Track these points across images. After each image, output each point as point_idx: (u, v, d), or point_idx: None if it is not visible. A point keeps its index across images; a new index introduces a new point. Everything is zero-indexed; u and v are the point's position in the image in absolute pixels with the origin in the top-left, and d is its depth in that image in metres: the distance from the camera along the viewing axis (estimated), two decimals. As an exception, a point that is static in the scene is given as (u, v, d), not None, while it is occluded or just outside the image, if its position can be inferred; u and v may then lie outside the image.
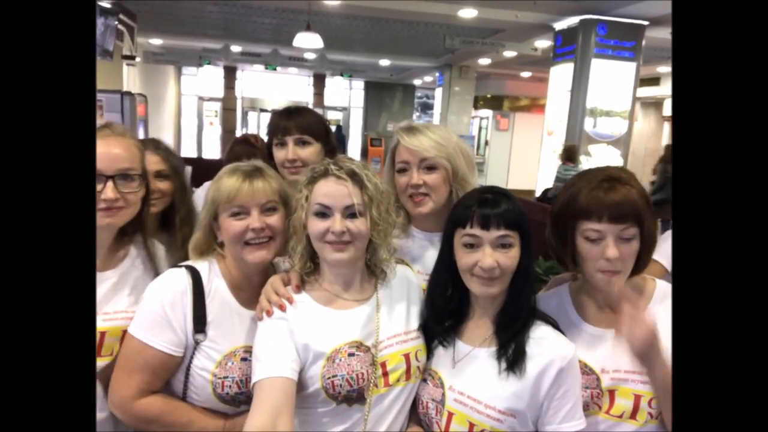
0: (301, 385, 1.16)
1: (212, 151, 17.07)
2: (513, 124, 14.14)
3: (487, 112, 14.79)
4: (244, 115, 17.64)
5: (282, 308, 1.20)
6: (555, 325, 1.23)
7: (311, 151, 1.70)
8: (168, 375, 1.25)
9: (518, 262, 1.17)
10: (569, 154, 6.80)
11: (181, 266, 1.30)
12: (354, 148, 18.07)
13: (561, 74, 7.05)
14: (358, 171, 1.21)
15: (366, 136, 16.91)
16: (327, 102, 17.28)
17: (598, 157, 6.77)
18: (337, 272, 1.25)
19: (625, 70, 6.63)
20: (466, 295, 1.26)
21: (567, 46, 6.86)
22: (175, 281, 1.25)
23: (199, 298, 1.25)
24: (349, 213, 1.18)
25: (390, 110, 17.27)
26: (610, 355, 1.23)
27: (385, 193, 1.25)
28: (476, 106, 14.08)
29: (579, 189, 1.20)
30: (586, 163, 6.78)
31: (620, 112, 6.74)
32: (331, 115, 17.97)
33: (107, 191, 1.23)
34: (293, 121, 1.70)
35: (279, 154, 1.70)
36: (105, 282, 1.31)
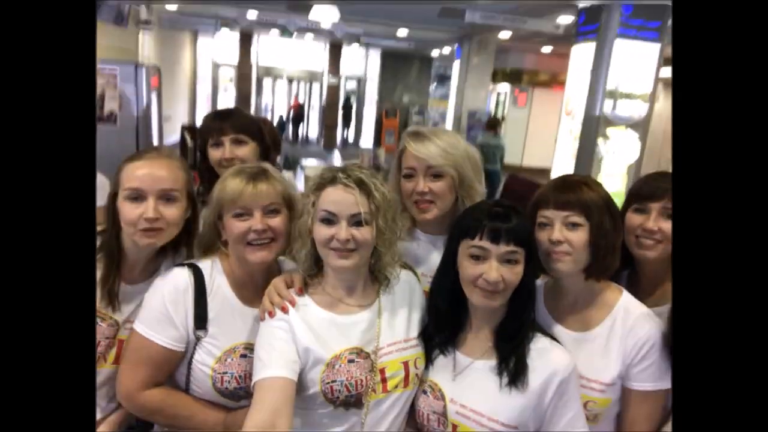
0: (301, 386, 1.18)
1: (226, 118, 17.00)
2: (531, 101, 13.90)
3: (505, 87, 14.53)
4: (259, 82, 17.51)
5: (284, 310, 1.22)
6: (552, 337, 1.25)
7: (247, 150, 1.77)
8: (171, 368, 1.29)
9: (522, 278, 1.18)
10: (492, 124, 8.15)
11: (183, 264, 1.33)
12: (368, 119, 17.91)
13: (582, 53, 6.86)
14: (366, 180, 1.21)
15: (381, 107, 16.73)
16: (342, 71, 17.06)
17: (616, 140, 6.64)
18: (341, 277, 1.26)
19: (649, 51, 6.41)
20: (465, 306, 1.27)
21: (590, 25, 6.66)
22: (177, 279, 1.28)
23: (200, 295, 1.28)
24: (355, 221, 1.19)
25: (406, 82, 17.01)
26: (584, 361, 1.27)
27: (392, 202, 1.26)
28: (494, 80, 13.83)
29: (541, 188, 1.33)
30: (603, 145, 6.65)
31: (641, 94, 6.55)
32: (347, 85, 17.78)
33: (148, 211, 1.26)
34: (228, 122, 1.77)
35: (215, 154, 1.75)
36: (137, 294, 1.34)
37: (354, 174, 1.21)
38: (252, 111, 16.97)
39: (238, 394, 1.29)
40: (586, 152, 6.71)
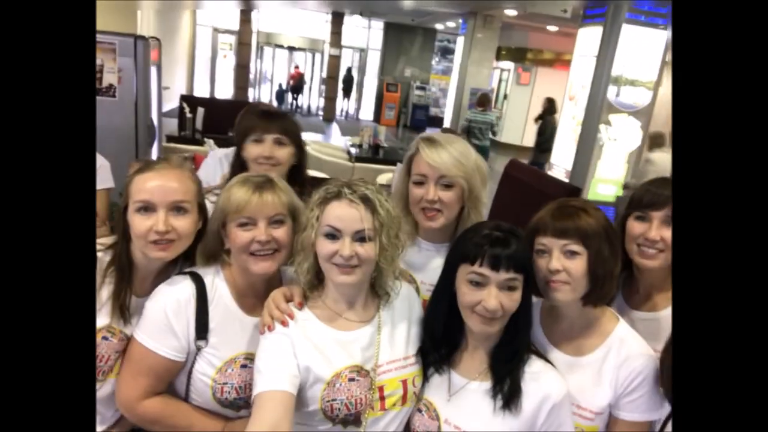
0: (301, 402, 1.19)
1: (225, 86, 16.79)
2: (534, 79, 13.73)
3: (508, 64, 14.35)
4: (259, 49, 17.23)
5: (284, 324, 1.22)
6: (547, 359, 1.26)
7: (286, 153, 1.78)
8: (171, 377, 1.30)
9: (519, 303, 1.18)
10: (481, 100, 8.59)
11: (185, 273, 1.32)
12: (369, 92, 17.67)
13: (589, 37, 6.76)
14: (371, 196, 1.20)
15: (382, 80, 16.51)
16: (344, 42, 16.79)
17: (618, 127, 6.60)
18: (342, 292, 1.27)
19: (656, 38, 6.32)
20: (461, 327, 1.27)
21: (598, 8, 6.54)
22: (179, 290, 1.28)
23: (202, 305, 1.28)
24: (359, 237, 1.19)
25: (409, 54, 16.74)
26: (574, 386, 1.26)
27: (395, 218, 1.25)
28: (498, 57, 13.64)
29: (540, 213, 1.30)
30: (605, 132, 6.62)
31: (645, 82, 6.48)
32: (347, 54, 17.51)
33: (159, 224, 1.24)
34: (273, 122, 1.77)
35: (254, 150, 1.76)
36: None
37: (359, 190, 1.20)
38: (251, 78, 16.76)
39: (238, 404, 1.29)
40: (588, 138, 6.67)
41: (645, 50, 6.33)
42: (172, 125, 7.15)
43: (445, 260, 1.28)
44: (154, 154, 5.02)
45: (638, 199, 1.41)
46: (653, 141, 6.33)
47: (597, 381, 1.26)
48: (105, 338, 1.29)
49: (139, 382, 1.26)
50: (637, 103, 6.52)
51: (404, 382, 1.27)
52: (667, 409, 1.23)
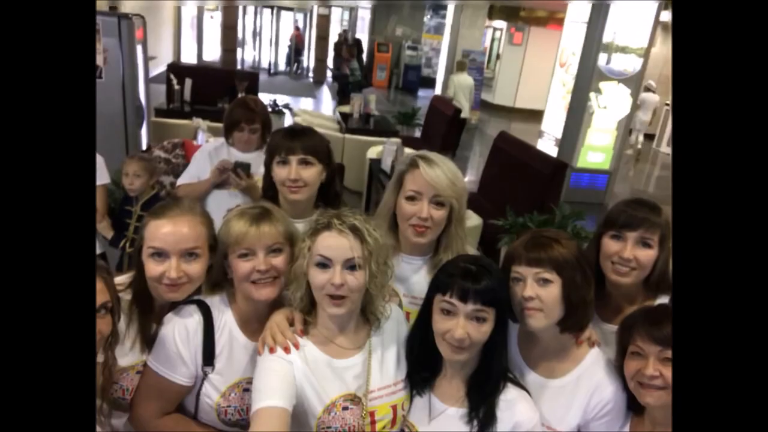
0: (296, 428, 1.25)
1: (212, 49, 16.44)
2: (527, 39, 13.50)
3: (501, 24, 14.08)
4: (245, 9, 16.80)
5: (287, 351, 1.28)
6: (523, 387, 1.32)
7: (313, 172, 1.73)
8: (181, 399, 1.40)
9: (493, 334, 1.24)
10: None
11: (193, 301, 1.39)
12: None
13: (580, 3, 6.66)
14: (359, 226, 1.26)
15: (373, 40, 16.18)
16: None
17: (608, 95, 6.59)
18: (334, 321, 1.32)
19: (647, 4, 6.25)
20: (440, 354, 1.32)
21: (590, -28, 6.43)
22: (186, 319, 1.36)
23: (209, 333, 1.36)
24: (349, 265, 1.24)
25: (400, 13, 16.32)
26: (546, 407, 1.33)
27: (383, 246, 1.30)
28: (490, 15, 13.37)
29: (515, 242, 1.36)
30: (595, 100, 6.60)
31: (636, 48, 6.43)
32: (336, 14, 17.06)
33: (171, 271, 1.31)
34: (298, 141, 1.72)
35: (281, 172, 1.73)
36: None
37: (348, 220, 1.25)
38: (239, 39, 16.41)
39: (242, 424, 1.37)
40: (578, 106, 6.66)
41: (636, 16, 6.26)
42: (159, 95, 7.02)
43: (427, 289, 1.33)
44: (144, 136, 5.00)
45: (614, 218, 1.47)
46: (458, 66, 9.16)
47: (568, 404, 1.33)
48: (138, 372, 1.39)
49: (152, 404, 1.36)
50: (627, 69, 6.48)
51: (394, 407, 1.34)
52: None
